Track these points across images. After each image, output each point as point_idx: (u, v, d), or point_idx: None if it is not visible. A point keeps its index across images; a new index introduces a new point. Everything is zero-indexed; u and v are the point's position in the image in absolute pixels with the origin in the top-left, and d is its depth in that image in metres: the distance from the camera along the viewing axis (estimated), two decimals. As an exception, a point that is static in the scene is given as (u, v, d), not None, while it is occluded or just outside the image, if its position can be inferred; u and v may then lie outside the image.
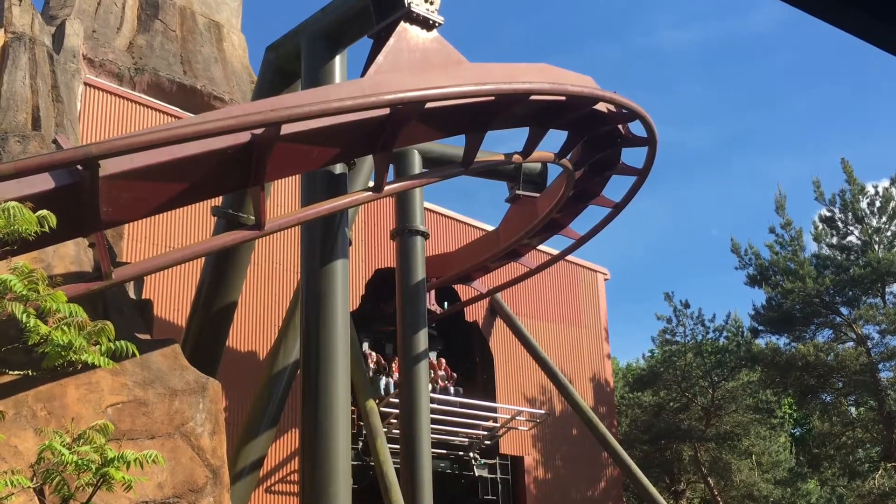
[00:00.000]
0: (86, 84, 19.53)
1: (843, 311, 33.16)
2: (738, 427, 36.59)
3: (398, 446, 19.49)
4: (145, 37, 22.20)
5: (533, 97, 14.56)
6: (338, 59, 15.03)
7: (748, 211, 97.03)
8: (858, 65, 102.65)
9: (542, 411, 26.32)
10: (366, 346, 24.29)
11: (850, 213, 33.09)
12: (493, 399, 25.61)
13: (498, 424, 25.23)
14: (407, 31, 14.21)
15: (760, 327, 34.86)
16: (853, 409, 36.30)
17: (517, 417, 25.29)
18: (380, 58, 13.72)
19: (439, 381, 24.59)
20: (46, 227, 5.56)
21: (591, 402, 27.93)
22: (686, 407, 36.97)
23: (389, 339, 24.06)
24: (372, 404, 18.78)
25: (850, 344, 33.39)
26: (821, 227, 33.88)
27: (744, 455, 37.26)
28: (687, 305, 36.89)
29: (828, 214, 33.65)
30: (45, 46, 14.77)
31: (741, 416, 36.64)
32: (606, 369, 30.49)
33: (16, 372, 6.45)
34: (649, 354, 43.38)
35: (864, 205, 32.94)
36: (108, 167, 9.86)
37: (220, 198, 15.79)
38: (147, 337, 11.87)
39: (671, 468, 37.88)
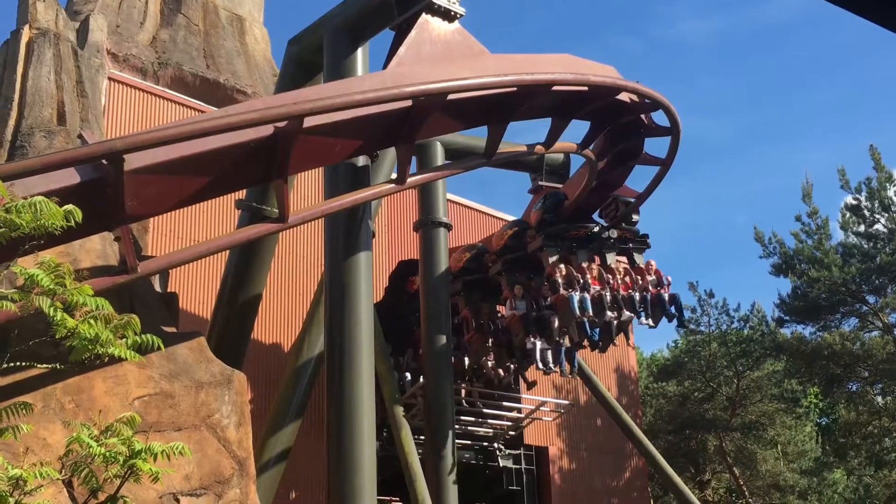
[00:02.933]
0: (110, 79, 19.65)
1: (870, 299, 32.86)
2: (763, 417, 36.41)
3: (423, 437, 19.55)
4: (168, 31, 22.30)
5: (555, 88, 14.53)
6: (360, 51, 15.05)
7: (773, 201, 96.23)
8: (884, 52, 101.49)
9: (567, 402, 26.29)
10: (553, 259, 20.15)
11: (876, 202, 32.75)
12: (517, 390, 25.60)
13: (522, 415, 25.22)
14: (429, 23, 14.21)
15: (786, 316, 34.62)
16: (879, 398, 36.00)
17: (541, 408, 25.26)
18: (402, 50, 13.73)
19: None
20: (72, 221, 5.61)
21: (615, 392, 27.86)
22: (711, 397, 36.82)
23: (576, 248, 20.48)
24: (397, 395, 18.82)
25: (877, 332, 33.13)
26: (847, 215, 33.58)
27: (769, 445, 37.08)
28: (711, 295, 36.72)
29: (854, 203, 33.32)
30: (69, 42, 14.87)
31: (766, 405, 36.46)
32: (630, 359, 30.41)
33: (44, 365, 6.51)
34: (673, 344, 43.25)
35: (891, 193, 32.60)
36: (133, 161, 9.93)
37: (244, 191, 15.85)
38: (173, 330, 11.95)
39: (696, 458, 37.75)
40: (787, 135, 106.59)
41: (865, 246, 32.81)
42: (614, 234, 19.94)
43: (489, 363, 21.25)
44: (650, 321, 19.72)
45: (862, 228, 33.29)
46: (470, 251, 21.11)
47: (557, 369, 19.95)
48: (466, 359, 21.20)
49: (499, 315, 21.04)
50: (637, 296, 19.47)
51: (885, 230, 32.64)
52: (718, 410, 36.31)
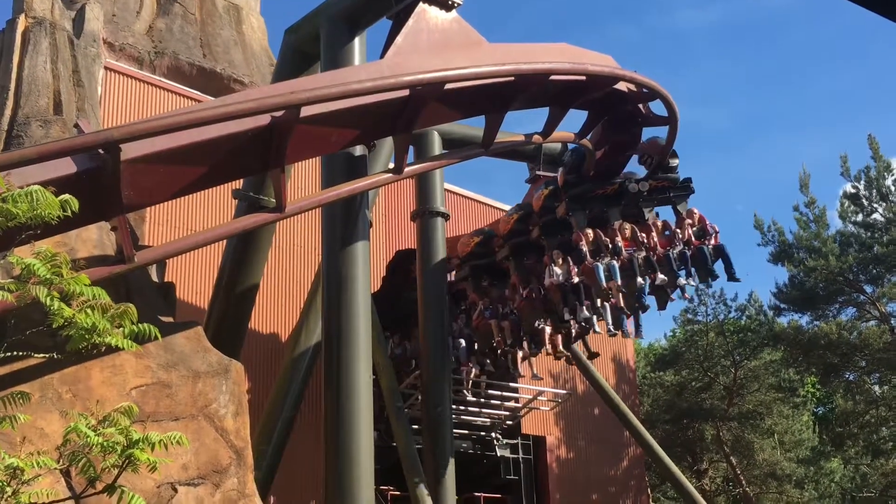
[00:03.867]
0: (106, 68, 19.59)
1: (867, 289, 32.91)
2: (760, 406, 36.51)
3: (420, 427, 19.58)
4: (165, 20, 22.23)
5: (553, 77, 14.51)
6: (357, 41, 15.01)
7: (771, 190, 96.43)
8: (883, 42, 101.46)
9: (564, 391, 26.33)
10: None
11: (874, 190, 32.77)
12: (515, 380, 25.62)
13: (520, 405, 25.26)
14: (426, 12, 14.18)
15: (783, 305, 34.67)
16: (877, 388, 36.10)
17: (539, 398, 25.30)
18: (399, 39, 13.70)
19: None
20: (69, 211, 5.59)
21: (612, 382, 27.92)
22: (708, 386, 36.90)
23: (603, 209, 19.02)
24: (395, 385, 18.83)
25: (874, 322, 33.20)
26: (846, 203, 33.60)
27: (766, 434, 37.17)
28: (709, 285, 36.77)
29: (853, 191, 33.35)
30: (65, 31, 14.82)
31: (764, 395, 36.54)
32: (628, 349, 30.45)
33: (41, 355, 6.51)
34: (671, 334, 43.32)
35: (889, 182, 32.61)
36: (130, 151, 9.91)
37: (241, 181, 15.83)
38: (170, 319, 11.94)
39: (693, 447, 37.86)
40: (785, 124, 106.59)
41: (863, 235, 32.84)
42: (645, 186, 18.46)
43: (546, 329, 19.29)
44: (690, 281, 18.25)
45: (860, 217, 33.33)
46: (478, 236, 20.77)
47: (619, 332, 18.87)
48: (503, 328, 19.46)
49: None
50: (674, 253, 17.90)
51: (883, 219, 32.67)
52: (716, 400, 36.40)
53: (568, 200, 18.51)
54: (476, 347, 20.79)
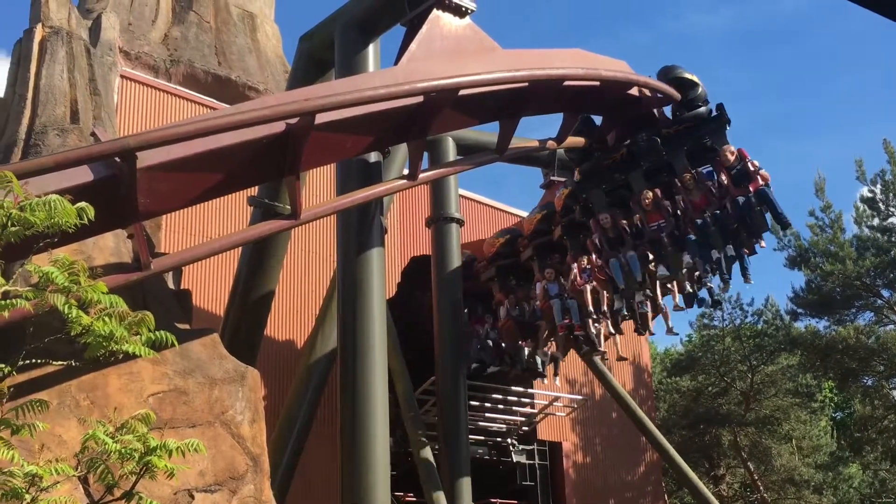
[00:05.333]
0: (122, 77, 19.71)
1: (885, 293, 32.74)
2: (777, 411, 36.34)
3: (436, 433, 19.56)
4: (180, 28, 22.35)
5: (567, 83, 14.51)
6: (371, 47, 15.04)
7: (787, 194, 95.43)
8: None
9: (580, 397, 26.27)
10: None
11: (891, 194, 32.60)
12: (531, 386, 25.59)
13: (535, 410, 25.22)
14: (440, 19, 14.20)
15: (800, 310, 34.52)
16: (895, 393, 35.89)
17: (554, 403, 25.26)
18: (413, 46, 13.73)
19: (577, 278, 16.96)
20: (86, 219, 5.62)
21: (628, 387, 27.84)
22: (725, 391, 36.77)
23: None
24: (410, 391, 18.83)
25: (892, 326, 33.03)
26: (862, 207, 33.44)
27: (784, 439, 36.99)
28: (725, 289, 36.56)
29: (869, 195, 33.19)
30: (82, 40, 14.90)
31: (781, 400, 36.37)
32: (644, 354, 30.37)
33: (59, 362, 6.54)
34: (687, 339, 43.21)
35: (905, 186, 32.45)
36: (146, 159, 9.96)
37: (256, 188, 15.88)
38: (186, 327, 11.98)
39: (710, 453, 37.71)
40: (799, 128, 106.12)
41: (880, 239, 32.67)
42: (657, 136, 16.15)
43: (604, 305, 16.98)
44: (708, 283, 16.23)
45: (876, 222, 33.16)
46: (503, 236, 20.33)
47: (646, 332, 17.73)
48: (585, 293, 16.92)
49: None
50: (709, 216, 15.34)
51: (900, 223, 32.50)
52: (733, 405, 36.26)
53: (581, 179, 17.32)
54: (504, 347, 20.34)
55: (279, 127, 11.05)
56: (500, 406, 24.09)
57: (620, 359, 20.69)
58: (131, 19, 21.25)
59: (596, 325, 17.30)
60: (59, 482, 5.94)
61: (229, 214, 20.00)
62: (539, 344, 18.89)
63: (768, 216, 15.56)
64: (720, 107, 16.19)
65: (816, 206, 33.68)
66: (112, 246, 11.53)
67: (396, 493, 20.07)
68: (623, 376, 28.14)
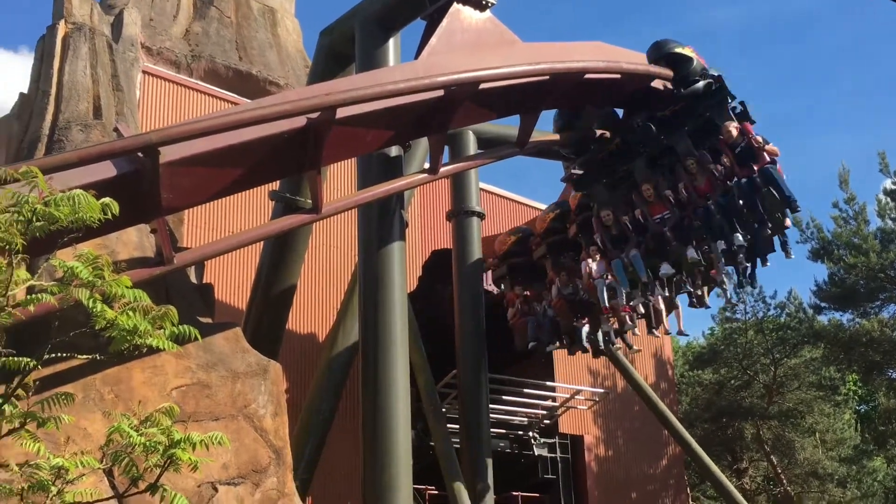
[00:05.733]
0: (144, 72, 19.80)
1: (909, 286, 32.52)
2: (801, 404, 36.17)
3: (457, 426, 19.58)
4: (201, 24, 22.43)
5: (587, 76, 14.46)
6: (391, 42, 15.05)
7: (808, 187, 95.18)
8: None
9: (601, 390, 26.23)
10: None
11: (915, 186, 32.36)
12: (552, 379, 25.57)
13: (557, 404, 25.21)
14: (460, 13, 14.19)
15: (823, 303, 34.32)
16: (920, 386, 35.67)
17: (576, 397, 25.24)
18: (433, 40, 13.73)
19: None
20: (109, 214, 5.67)
21: (651, 380, 27.76)
22: (747, 385, 36.62)
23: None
24: (431, 384, 18.85)
25: (917, 319, 32.79)
26: (885, 200, 33.18)
27: (807, 433, 36.81)
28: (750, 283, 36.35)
29: (892, 187, 32.91)
30: (104, 36, 15.00)
31: (804, 393, 36.20)
32: (666, 347, 30.27)
33: (84, 356, 6.61)
34: (709, 332, 43.04)
35: (929, 178, 32.17)
36: (168, 154, 10.02)
37: (277, 182, 15.93)
38: (209, 321, 12.06)
39: (733, 446, 37.59)
40: (819, 122, 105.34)
41: (904, 232, 32.42)
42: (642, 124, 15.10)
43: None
44: (725, 283, 15.23)
45: (900, 214, 32.89)
46: (515, 234, 19.88)
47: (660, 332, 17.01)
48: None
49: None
50: (713, 203, 14.23)
51: (925, 216, 32.24)
52: (755, 398, 36.11)
53: (581, 172, 16.54)
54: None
55: (300, 122, 11.09)
56: (522, 399, 24.09)
57: (635, 350, 19.77)
58: (153, 15, 21.34)
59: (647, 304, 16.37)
60: (84, 475, 6.01)
61: (251, 209, 20.07)
62: (595, 323, 17.70)
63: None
64: (719, 79, 14.92)
65: (840, 197, 33.46)
66: (135, 241, 11.61)
67: (418, 487, 20.11)
68: (645, 369, 28.06)
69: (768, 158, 14.06)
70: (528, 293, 18.53)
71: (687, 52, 15.06)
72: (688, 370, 41.03)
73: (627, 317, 16.85)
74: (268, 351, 13.01)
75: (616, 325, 17.50)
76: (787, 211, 14.50)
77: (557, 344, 18.47)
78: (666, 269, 14.95)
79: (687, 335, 16.78)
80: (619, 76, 15.06)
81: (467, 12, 14.26)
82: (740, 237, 14.15)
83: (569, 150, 16.94)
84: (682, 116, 15.15)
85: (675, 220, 14.72)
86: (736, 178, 14.32)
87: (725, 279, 15.52)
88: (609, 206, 15.68)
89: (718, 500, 34.01)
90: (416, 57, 13.79)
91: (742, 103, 15.03)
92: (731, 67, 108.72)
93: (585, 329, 17.88)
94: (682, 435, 23.13)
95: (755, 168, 14.10)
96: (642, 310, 16.76)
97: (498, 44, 14.24)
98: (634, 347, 18.79)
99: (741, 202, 14.15)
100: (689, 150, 14.77)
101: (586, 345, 17.83)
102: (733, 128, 14.40)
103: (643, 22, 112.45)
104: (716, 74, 14.92)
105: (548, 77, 13.77)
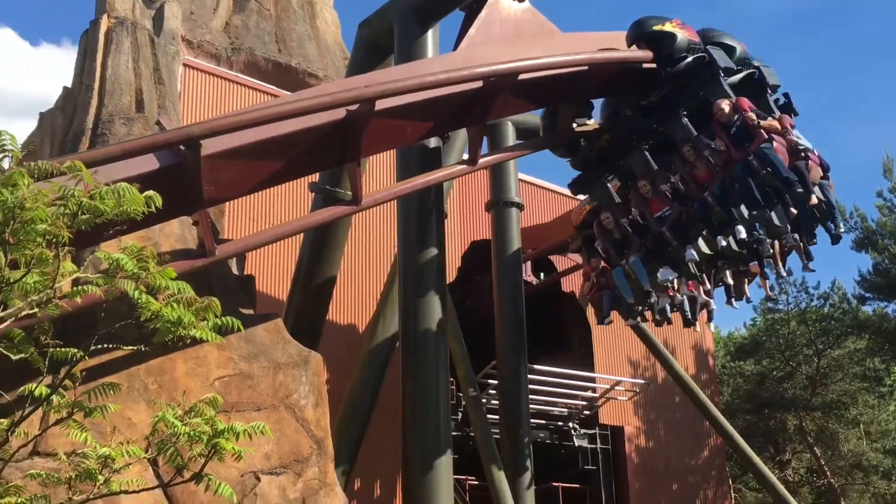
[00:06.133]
0: (185, 65, 19.96)
1: (956, 275, 32.01)
2: (844, 396, 35.76)
3: (497, 417, 19.59)
4: (241, 17, 22.57)
5: (627, 66, 14.35)
6: (430, 33, 15.04)
7: (852, 176, 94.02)
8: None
9: (642, 381, 26.12)
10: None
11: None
12: (592, 370, 25.50)
13: (597, 395, 25.14)
14: (498, 3, 14.15)
15: (867, 293, 33.87)
16: (967, 377, 35.13)
17: (616, 387, 25.15)
18: (472, 30, 13.71)
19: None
20: (153, 207, 5.74)
21: (691, 371, 27.59)
22: (790, 376, 36.28)
23: None
24: (471, 375, 18.87)
25: (963, 309, 32.28)
26: (931, 189, 32.69)
27: (851, 424, 36.43)
28: (790, 273, 35.98)
29: (939, 175, 32.43)
30: (146, 30, 15.15)
31: (848, 384, 35.78)
32: (707, 338, 30.05)
33: (128, 347, 6.70)
34: (751, 323, 42.66)
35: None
36: (209, 147, 10.11)
37: (317, 174, 16.00)
38: (250, 312, 12.15)
39: (775, 438, 37.27)
40: (865, 109, 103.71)
41: (951, 220, 31.92)
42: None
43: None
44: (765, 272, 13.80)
45: (947, 202, 32.38)
46: (590, 204, 19.55)
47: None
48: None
49: None
50: (710, 194, 12.64)
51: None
52: (798, 390, 35.76)
53: (578, 171, 15.25)
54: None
55: (340, 114, 11.13)
56: (561, 390, 24.05)
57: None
58: (193, 8, 21.51)
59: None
60: (130, 464, 6.09)
61: (290, 201, 20.18)
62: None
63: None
64: (706, 51, 13.45)
65: (885, 186, 32.98)
66: (177, 233, 11.73)
67: (458, 477, 20.16)
68: (685, 360, 27.91)
69: (766, 136, 12.36)
70: (605, 265, 16.24)
71: (669, 27, 13.58)
72: (729, 361, 40.75)
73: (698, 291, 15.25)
74: (308, 342, 13.09)
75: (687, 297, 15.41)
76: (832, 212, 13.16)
77: (639, 318, 16.85)
78: (665, 273, 13.39)
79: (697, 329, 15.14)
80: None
81: (506, 3, 14.22)
82: (742, 230, 12.56)
83: (557, 152, 15.73)
84: (673, 99, 13.76)
85: (675, 216, 13.14)
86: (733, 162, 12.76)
87: (768, 271, 14.40)
88: (609, 207, 14.45)
89: (761, 492, 33.77)
90: (455, 48, 13.77)
91: (786, 94, 14.49)
92: (777, 52, 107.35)
93: (663, 301, 15.61)
94: (724, 426, 22.95)
95: (749, 152, 12.44)
96: (730, 279, 14.91)
97: (537, 34, 14.18)
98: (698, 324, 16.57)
99: (738, 187, 12.40)
100: (687, 136, 13.40)
101: (669, 316, 15.84)
102: (726, 104, 12.75)
103: (688, 8, 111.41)
104: (701, 47, 13.48)
105: (587, 67, 13.68)
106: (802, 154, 12.61)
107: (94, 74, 13.87)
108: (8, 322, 5.73)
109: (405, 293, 14.35)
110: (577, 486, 25.01)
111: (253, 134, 10.51)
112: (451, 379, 15.46)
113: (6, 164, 5.37)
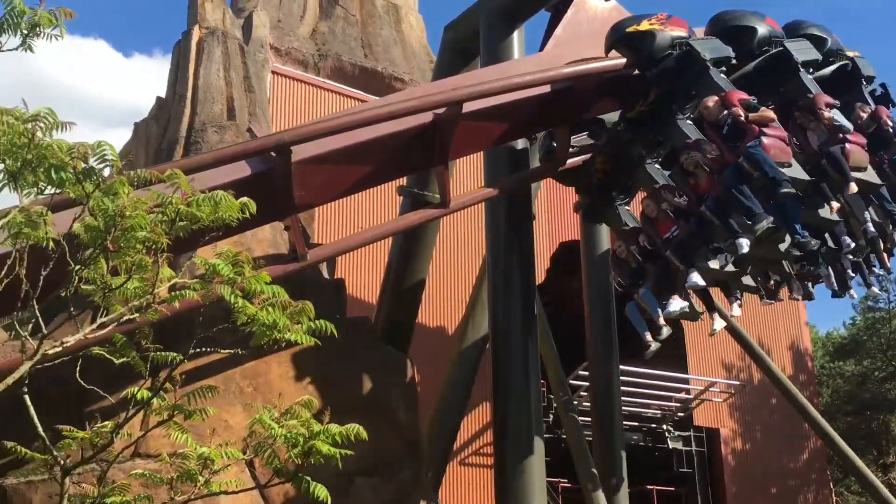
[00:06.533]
0: (273, 73, 20.29)
1: None
2: (951, 397, 34.58)
3: (589, 419, 19.40)
4: (327, 23, 22.86)
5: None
6: (516, 34, 14.97)
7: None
8: None
9: (737, 382, 25.61)
10: None
11: None
12: (685, 371, 25.11)
13: (691, 396, 24.74)
14: (585, 2, 14.05)
15: (974, 290, 32.70)
16: None
17: (711, 389, 24.71)
18: (558, 30, 13.63)
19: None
20: (248, 213, 5.82)
21: (788, 371, 26.96)
22: (893, 376, 35.18)
23: None
24: (562, 377, 18.74)
25: None
26: None
27: (957, 426, 35.18)
28: (890, 271, 34.85)
29: None
30: (236, 39, 15.45)
31: (953, 384, 34.59)
32: (804, 338, 29.32)
33: (224, 351, 6.82)
34: (850, 322, 41.48)
35: None
36: (300, 153, 10.24)
37: (405, 178, 16.08)
38: (341, 316, 12.26)
39: (878, 440, 36.16)
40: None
41: None
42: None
43: None
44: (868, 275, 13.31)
45: None
46: None
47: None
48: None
49: None
50: (705, 207, 11.05)
51: None
52: (901, 390, 34.70)
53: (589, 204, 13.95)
54: None
55: (427, 117, 11.16)
56: (655, 392, 23.74)
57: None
58: (280, 16, 21.86)
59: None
60: (228, 465, 6.18)
61: (379, 205, 20.32)
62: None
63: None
64: (687, 44, 11.97)
65: None
66: (269, 238, 11.92)
67: (551, 480, 20.04)
68: (781, 360, 27.28)
69: (757, 130, 10.80)
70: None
71: (645, 26, 12.15)
72: (828, 361, 39.70)
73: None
74: (399, 345, 13.15)
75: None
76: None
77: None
78: (676, 304, 11.81)
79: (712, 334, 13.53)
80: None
81: (592, 2, 14.11)
82: (745, 244, 10.65)
83: (564, 181, 14.68)
84: (664, 106, 12.42)
85: (682, 235, 11.49)
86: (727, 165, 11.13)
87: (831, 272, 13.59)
88: (621, 235, 13.14)
89: (864, 496, 32.79)
90: (542, 48, 13.69)
91: (883, 85, 13.90)
92: (872, 47, 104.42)
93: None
94: (824, 428, 22.33)
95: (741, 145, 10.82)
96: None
97: (624, 31, 13.98)
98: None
99: (730, 196, 10.79)
100: (682, 142, 12.09)
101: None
102: (711, 101, 11.32)
103: (784, 4, 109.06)
104: (684, 41, 11.98)
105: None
106: (840, 136, 11.55)
107: (186, 84, 14.21)
108: (110, 327, 5.87)
109: (494, 295, 14.30)
110: (672, 489, 24.64)
111: (342, 139, 10.61)
112: (542, 381, 15.34)
113: (106, 173, 5.49)
